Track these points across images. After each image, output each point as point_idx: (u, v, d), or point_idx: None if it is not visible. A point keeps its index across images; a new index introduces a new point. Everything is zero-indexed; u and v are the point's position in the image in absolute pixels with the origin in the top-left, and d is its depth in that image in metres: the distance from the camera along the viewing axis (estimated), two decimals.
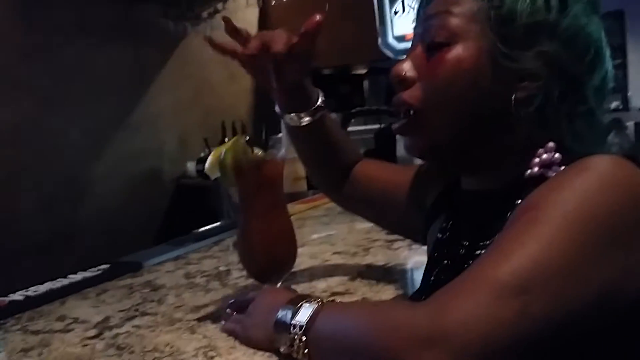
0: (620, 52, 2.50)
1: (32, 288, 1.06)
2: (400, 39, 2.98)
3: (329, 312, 0.63)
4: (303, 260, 1.12)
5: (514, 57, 0.64)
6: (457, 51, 0.66)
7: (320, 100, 0.90)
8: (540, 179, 0.63)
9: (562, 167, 0.63)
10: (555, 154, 0.65)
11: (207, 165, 0.80)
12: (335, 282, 0.96)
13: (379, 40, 2.91)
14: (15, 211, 2.17)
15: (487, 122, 0.67)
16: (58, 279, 1.11)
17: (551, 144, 0.65)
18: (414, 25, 0.74)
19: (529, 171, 0.66)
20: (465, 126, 0.68)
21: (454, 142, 0.69)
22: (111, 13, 2.52)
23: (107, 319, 0.90)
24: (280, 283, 0.84)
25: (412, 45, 0.72)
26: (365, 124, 2.45)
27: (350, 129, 2.20)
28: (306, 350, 0.62)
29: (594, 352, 0.54)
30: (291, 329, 0.63)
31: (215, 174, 0.81)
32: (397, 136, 2.17)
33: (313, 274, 1.03)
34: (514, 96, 0.65)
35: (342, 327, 0.60)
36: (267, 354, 0.69)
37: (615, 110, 2.37)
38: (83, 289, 1.08)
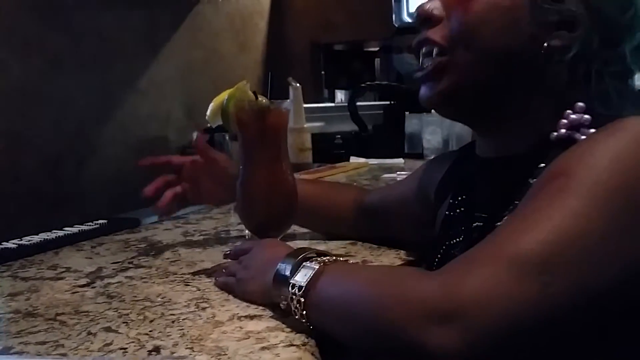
0: None
1: (26, 238, 1.03)
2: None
3: (331, 275, 0.59)
4: None
5: None
6: None
7: None
8: (567, 141, 0.59)
9: (591, 130, 0.59)
10: (584, 115, 0.60)
11: (208, 111, 0.77)
12: (335, 245, 0.93)
13: (393, 16, 2.87)
14: (20, 170, 2.15)
15: (516, 69, 0.62)
16: (54, 231, 1.08)
17: (580, 104, 0.60)
18: None
19: (555, 133, 0.61)
20: (491, 70, 0.63)
21: (477, 86, 0.64)
22: None
23: (99, 269, 0.88)
24: (279, 239, 0.81)
25: None
26: (375, 99, 2.41)
27: (359, 104, 2.16)
28: (304, 312, 0.58)
29: (613, 333, 0.51)
30: (289, 287, 0.60)
31: (216, 121, 0.77)
32: (406, 113, 2.12)
33: (313, 236, 1.00)
34: (546, 43, 0.60)
35: (343, 294, 0.57)
36: (261, 307, 0.66)
37: None
38: (78, 242, 1.05)
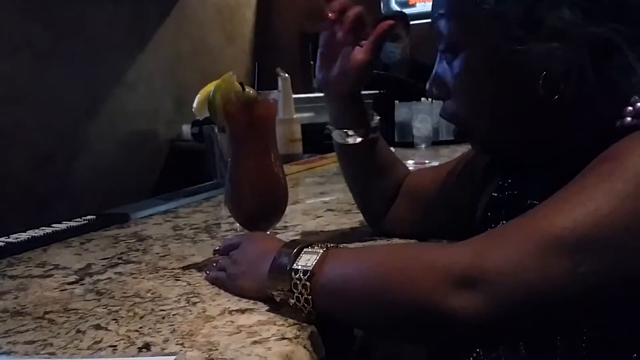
0: None
1: (14, 235, 1.02)
2: (403, 4, 2.92)
3: (338, 258, 0.58)
4: (295, 216, 1.09)
5: (521, 50, 0.57)
6: (464, 59, 0.63)
7: (374, 122, 0.87)
8: (633, 129, 0.56)
9: None
10: None
11: (195, 104, 0.75)
12: (326, 236, 0.93)
13: (382, 5, 2.86)
14: (9, 167, 2.13)
15: (532, 113, 0.61)
16: (42, 228, 1.07)
17: None
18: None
19: (619, 121, 0.58)
20: (509, 126, 0.64)
21: (507, 140, 0.66)
22: None
23: (88, 266, 0.87)
24: (269, 232, 0.81)
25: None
26: (364, 89, 2.39)
27: None
28: (309, 297, 0.57)
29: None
30: (292, 274, 0.58)
31: (203, 114, 0.76)
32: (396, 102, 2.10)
33: (304, 228, 1.00)
34: (539, 88, 0.57)
35: (358, 273, 0.56)
36: (252, 301, 0.66)
37: None
38: (67, 238, 1.04)
